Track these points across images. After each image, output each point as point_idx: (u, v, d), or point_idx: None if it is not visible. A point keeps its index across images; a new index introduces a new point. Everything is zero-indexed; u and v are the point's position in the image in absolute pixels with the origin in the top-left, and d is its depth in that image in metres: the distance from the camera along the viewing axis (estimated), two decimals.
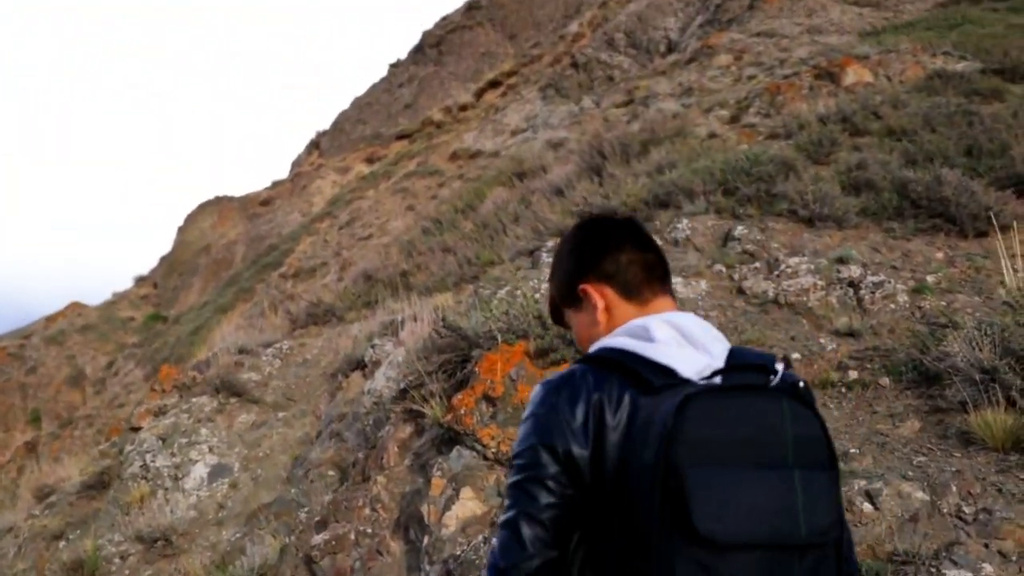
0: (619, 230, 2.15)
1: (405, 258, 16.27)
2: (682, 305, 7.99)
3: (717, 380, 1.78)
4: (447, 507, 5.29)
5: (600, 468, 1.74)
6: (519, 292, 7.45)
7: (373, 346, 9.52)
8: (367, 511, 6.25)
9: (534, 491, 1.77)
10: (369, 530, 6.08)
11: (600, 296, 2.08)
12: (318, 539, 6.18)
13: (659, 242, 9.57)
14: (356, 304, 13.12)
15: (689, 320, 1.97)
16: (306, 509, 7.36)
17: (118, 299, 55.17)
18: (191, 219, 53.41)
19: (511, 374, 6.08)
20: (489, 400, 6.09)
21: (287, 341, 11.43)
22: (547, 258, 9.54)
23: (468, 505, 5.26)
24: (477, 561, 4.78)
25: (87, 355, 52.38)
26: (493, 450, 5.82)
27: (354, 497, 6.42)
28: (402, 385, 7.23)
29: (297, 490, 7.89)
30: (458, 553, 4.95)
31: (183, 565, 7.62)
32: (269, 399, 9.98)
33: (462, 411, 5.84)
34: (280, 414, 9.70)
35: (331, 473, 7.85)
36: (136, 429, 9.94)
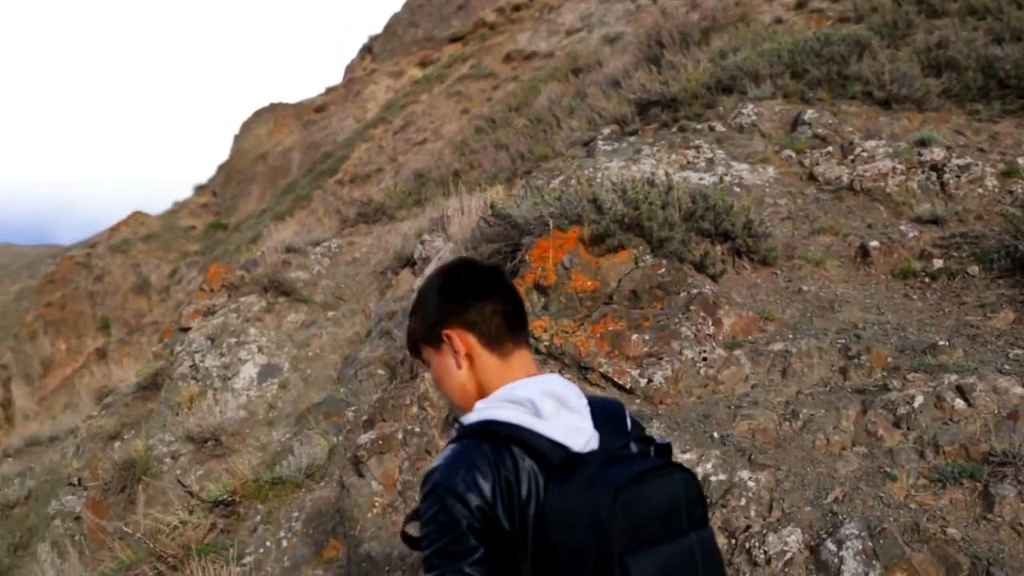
0: (486, 279, 2.16)
1: (457, 157, 15.82)
2: (747, 192, 7.47)
3: (594, 446, 1.94)
4: None
5: (514, 538, 1.83)
6: (573, 180, 6.98)
7: (422, 242, 9.17)
8: (415, 409, 5.96)
9: (456, 550, 1.79)
10: (417, 429, 5.80)
11: (463, 343, 2.10)
12: (365, 438, 5.91)
13: (723, 128, 9.00)
14: (406, 202, 12.75)
15: (559, 385, 2.04)
16: (354, 409, 7.11)
17: (179, 208, 55.59)
18: (247, 127, 53.25)
19: (564, 261, 5.67)
20: (541, 290, 5.71)
21: (336, 240, 11.12)
22: (604, 146, 9.03)
23: None
24: None
25: (151, 263, 53.11)
26: (546, 343, 5.46)
27: (401, 395, 6.14)
28: None
29: (346, 390, 7.65)
30: None
31: (232, 465, 7.47)
32: (318, 298, 9.72)
33: None
34: (329, 313, 9.45)
35: (380, 372, 7.59)
36: (185, 329, 9.78)
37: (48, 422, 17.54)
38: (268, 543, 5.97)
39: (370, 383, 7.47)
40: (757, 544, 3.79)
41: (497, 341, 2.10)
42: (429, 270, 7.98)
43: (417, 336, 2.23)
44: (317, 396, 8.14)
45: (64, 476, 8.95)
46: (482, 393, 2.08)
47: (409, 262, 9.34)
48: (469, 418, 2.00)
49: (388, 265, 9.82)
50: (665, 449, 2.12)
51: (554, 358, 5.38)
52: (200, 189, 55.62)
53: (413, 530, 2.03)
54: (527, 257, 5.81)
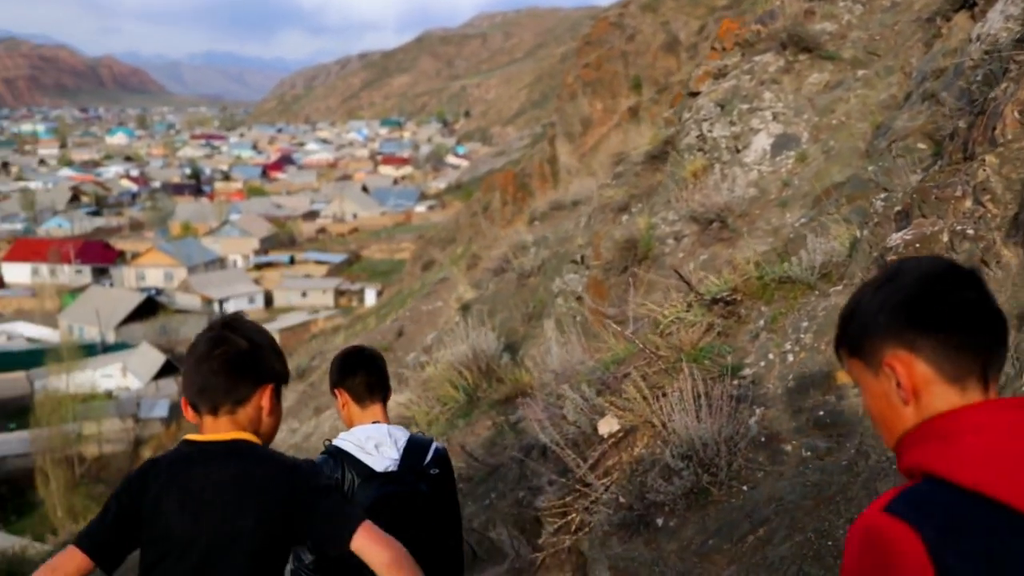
0: (359, 361, 4.00)
1: None
2: None
3: (393, 468, 3.69)
4: None
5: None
6: None
7: None
8: (967, 203, 4.50)
9: None
10: (970, 231, 4.37)
11: (342, 398, 3.99)
12: (897, 237, 4.63)
13: None
14: None
15: (382, 434, 3.79)
16: (884, 195, 5.74)
17: None
18: None
19: None
20: None
21: None
22: None
23: None
24: None
25: (679, 20, 52.84)
26: None
27: (950, 183, 4.68)
28: None
29: (876, 168, 6.26)
30: None
31: (735, 256, 6.58)
32: (846, 54, 8.16)
33: None
34: (859, 72, 7.89)
35: (921, 146, 6.06)
36: (694, 94, 8.85)
37: (572, 185, 18.02)
38: (771, 355, 5.06)
39: (907, 161, 6.01)
40: None
41: (359, 399, 3.95)
42: (996, 11, 6.08)
43: (331, 385, 4.23)
44: (840, 174, 6.84)
45: (570, 252, 8.77)
46: (349, 427, 3.97)
47: (965, 3, 7.37)
48: (334, 442, 3.90)
49: (937, 9, 7.89)
50: (436, 470, 3.84)
51: None
52: None
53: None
54: None
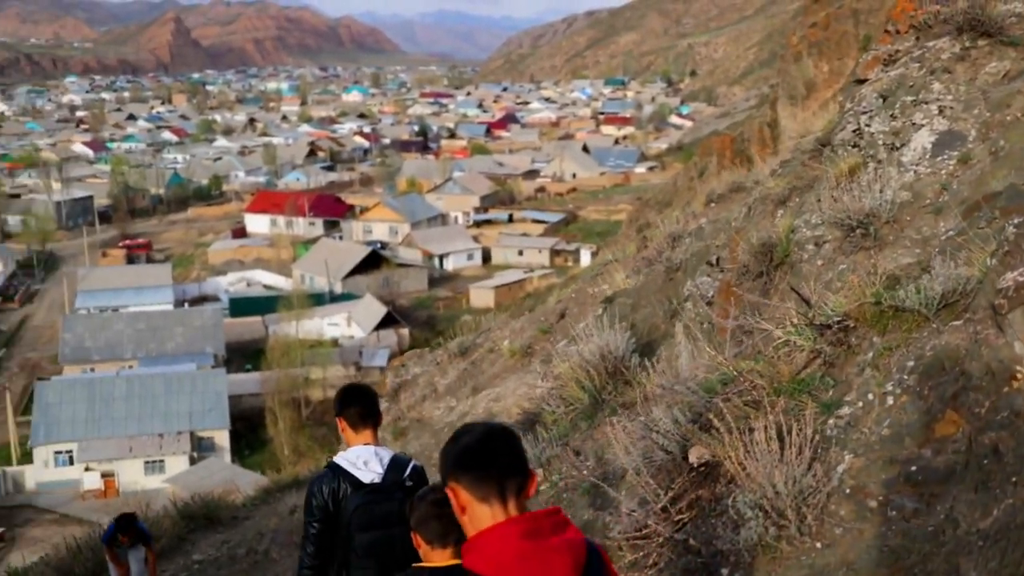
0: (355, 397, 5.17)
1: None
2: None
3: (378, 481, 4.88)
4: None
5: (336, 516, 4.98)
6: None
7: None
8: None
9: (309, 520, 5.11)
10: None
11: (341, 424, 5.11)
12: (1010, 278, 4.06)
13: None
14: None
15: (369, 453, 4.99)
16: None
17: None
18: None
19: None
20: None
21: None
22: None
23: None
24: None
25: None
26: None
27: None
28: None
29: None
30: None
31: (881, 261, 6.06)
32: None
33: None
34: None
35: None
36: (860, 82, 8.18)
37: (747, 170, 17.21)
38: (870, 394, 4.60)
39: None
40: None
41: (354, 426, 5.07)
42: None
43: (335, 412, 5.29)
44: (1002, 180, 6.14)
45: (710, 250, 8.35)
46: (348, 446, 5.12)
47: None
48: (334, 458, 5.13)
49: None
50: (410, 483, 4.90)
51: None
52: None
53: None
54: None
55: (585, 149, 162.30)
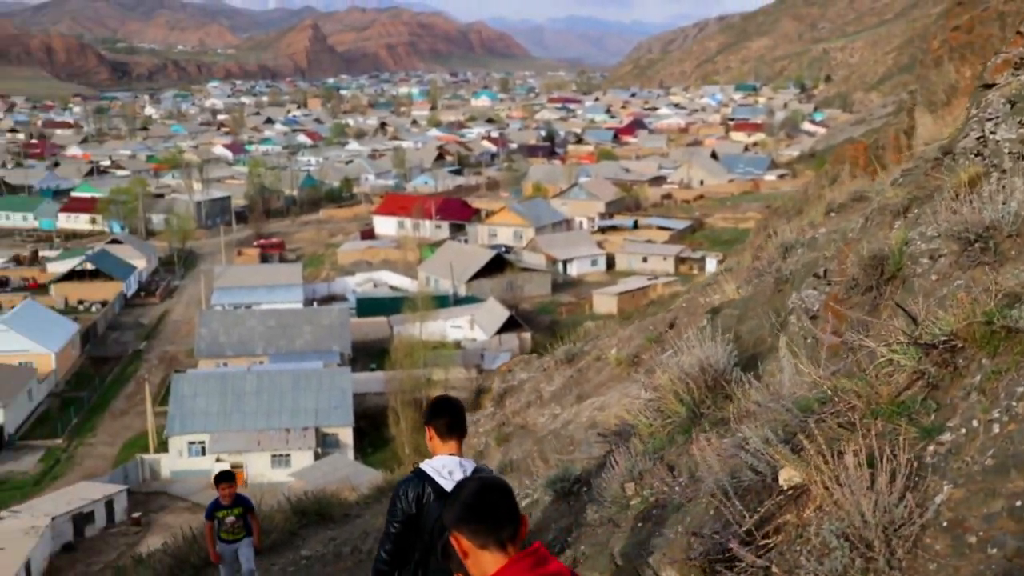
0: (444, 409, 5.54)
1: None
2: None
3: None
4: None
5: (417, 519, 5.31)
6: None
7: None
8: None
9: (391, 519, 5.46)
10: None
11: (429, 433, 5.45)
12: None
13: None
14: None
15: (453, 462, 5.29)
16: None
17: None
18: None
19: None
20: None
21: None
22: None
23: None
24: None
25: None
26: None
27: None
28: None
29: None
30: None
31: (1000, 278, 5.68)
32: None
33: None
34: None
35: None
36: (988, 86, 7.72)
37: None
38: (975, 421, 4.28)
39: None
40: None
41: (441, 436, 5.42)
42: None
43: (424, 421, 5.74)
44: None
45: (816, 262, 7.99)
46: (433, 455, 5.45)
47: None
48: (420, 465, 5.45)
49: None
50: None
51: None
52: None
53: None
54: None
55: (714, 155, 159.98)
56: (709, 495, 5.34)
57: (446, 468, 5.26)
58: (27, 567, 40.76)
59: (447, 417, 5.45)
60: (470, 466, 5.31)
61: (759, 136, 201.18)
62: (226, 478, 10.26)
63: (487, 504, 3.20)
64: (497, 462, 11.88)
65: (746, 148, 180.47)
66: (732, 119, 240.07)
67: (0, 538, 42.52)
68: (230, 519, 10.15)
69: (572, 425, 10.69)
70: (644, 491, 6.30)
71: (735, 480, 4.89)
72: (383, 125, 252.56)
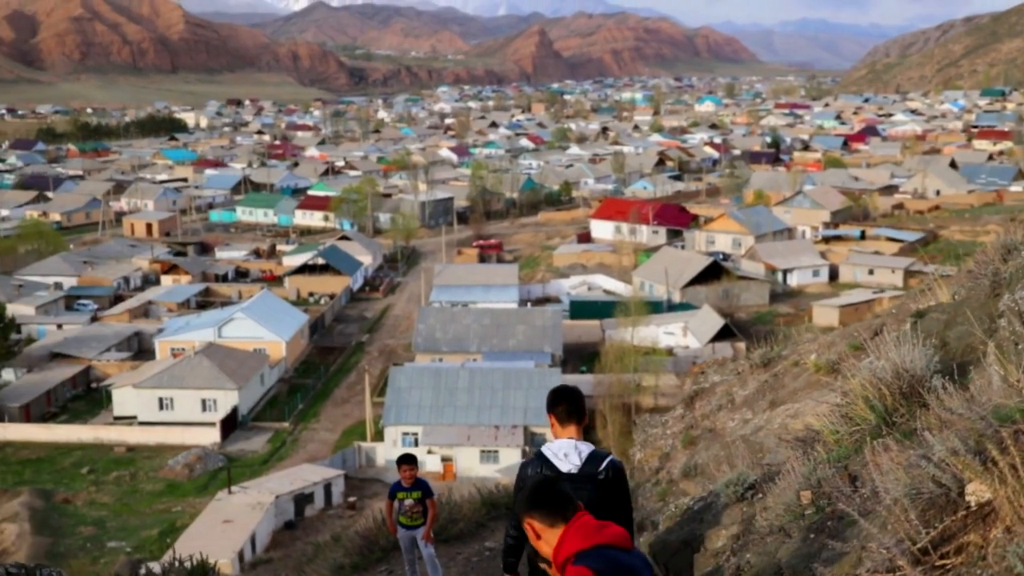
0: (562, 396, 5.95)
1: None
2: None
3: (574, 472, 5.69)
4: None
5: None
6: None
7: None
8: None
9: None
10: None
11: (550, 419, 5.94)
12: None
13: None
14: None
15: (569, 445, 5.79)
16: None
17: None
18: None
19: None
20: None
21: None
22: None
23: None
24: None
25: None
26: None
27: None
28: None
29: None
30: None
31: None
32: None
33: None
34: None
35: None
36: None
37: None
38: None
39: None
40: None
41: (561, 422, 5.90)
42: None
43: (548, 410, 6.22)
44: None
45: None
46: (554, 439, 5.94)
47: None
48: (540, 448, 5.93)
49: None
50: (602, 475, 5.71)
51: None
52: None
53: None
54: None
55: (953, 165, 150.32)
56: (886, 508, 4.84)
57: (562, 451, 5.76)
58: (252, 540, 43.56)
59: (565, 404, 5.92)
60: (586, 449, 5.77)
61: (1006, 144, 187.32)
62: (407, 460, 10.42)
63: (550, 491, 3.99)
64: (682, 464, 11.48)
65: (991, 157, 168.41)
66: (976, 126, 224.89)
67: (231, 511, 45.75)
68: (409, 502, 10.27)
69: (763, 432, 10.15)
70: (820, 500, 5.81)
71: (916, 493, 4.38)
72: (605, 130, 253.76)
